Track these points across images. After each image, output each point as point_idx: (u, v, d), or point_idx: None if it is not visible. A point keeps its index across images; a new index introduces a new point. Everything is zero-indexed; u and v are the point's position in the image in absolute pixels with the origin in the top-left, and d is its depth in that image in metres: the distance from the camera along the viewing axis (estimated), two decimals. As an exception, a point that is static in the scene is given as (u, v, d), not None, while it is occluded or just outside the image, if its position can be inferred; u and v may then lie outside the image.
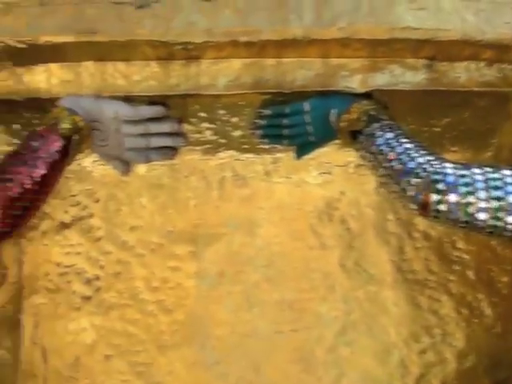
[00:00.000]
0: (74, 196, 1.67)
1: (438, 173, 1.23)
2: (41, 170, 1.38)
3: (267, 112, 1.57)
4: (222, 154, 1.65)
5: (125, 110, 1.50)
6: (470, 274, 1.74)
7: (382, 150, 1.35)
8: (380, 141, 1.37)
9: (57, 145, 1.42)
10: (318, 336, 1.70)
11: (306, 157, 1.63)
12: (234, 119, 1.61)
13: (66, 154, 1.44)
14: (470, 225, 1.21)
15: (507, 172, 1.21)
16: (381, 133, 1.38)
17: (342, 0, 1.44)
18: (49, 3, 1.53)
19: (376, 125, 1.40)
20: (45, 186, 1.40)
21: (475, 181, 1.20)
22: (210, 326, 1.68)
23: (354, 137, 1.45)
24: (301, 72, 1.51)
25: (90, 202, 1.68)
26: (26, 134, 1.46)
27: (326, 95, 1.52)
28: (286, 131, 1.57)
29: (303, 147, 1.61)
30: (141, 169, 1.65)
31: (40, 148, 1.40)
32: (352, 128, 1.45)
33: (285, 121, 1.56)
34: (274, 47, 1.47)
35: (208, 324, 1.67)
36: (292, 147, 1.62)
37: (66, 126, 1.44)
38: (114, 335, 1.69)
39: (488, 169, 1.23)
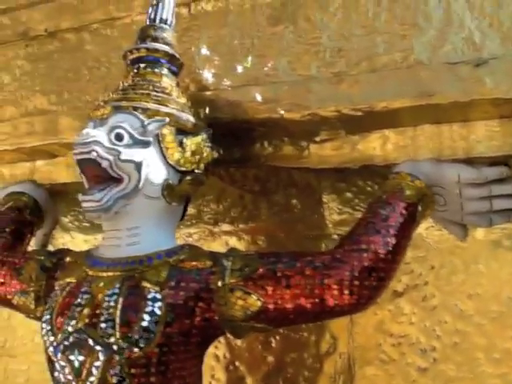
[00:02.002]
0: (407, 263, 1.65)
1: None
2: (392, 239, 1.35)
3: None
4: None
5: (467, 173, 1.45)
6: None
7: None
8: None
9: (405, 213, 1.39)
10: None
11: None
12: None
13: (414, 222, 1.41)
14: None
15: None
16: None
17: None
18: (380, 69, 1.55)
19: None
20: (397, 255, 1.37)
21: None
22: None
23: None
24: None
25: (424, 269, 1.66)
26: (370, 202, 1.46)
27: None
28: None
29: None
30: (478, 233, 1.58)
31: (390, 216, 1.38)
32: None
33: None
34: None
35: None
36: None
37: (410, 192, 1.42)
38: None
39: None
